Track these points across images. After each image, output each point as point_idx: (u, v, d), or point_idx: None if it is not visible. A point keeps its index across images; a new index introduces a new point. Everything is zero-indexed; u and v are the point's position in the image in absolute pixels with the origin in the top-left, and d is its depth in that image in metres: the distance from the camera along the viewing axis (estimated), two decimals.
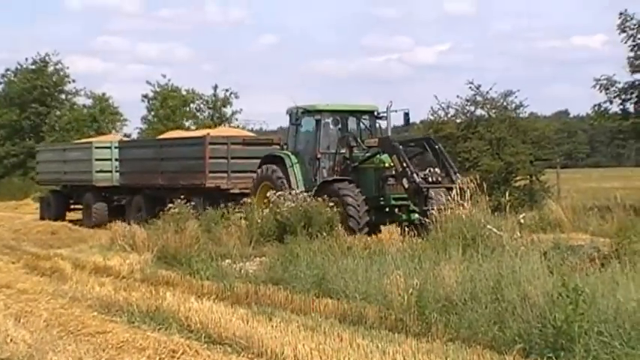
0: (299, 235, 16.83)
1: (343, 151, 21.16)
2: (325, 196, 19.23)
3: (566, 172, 41.67)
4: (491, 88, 31.00)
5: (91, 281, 14.64)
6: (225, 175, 24.90)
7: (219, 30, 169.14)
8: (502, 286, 9.75)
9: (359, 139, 21.37)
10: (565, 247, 13.09)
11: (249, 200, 20.62)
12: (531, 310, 8.97)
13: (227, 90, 48.58)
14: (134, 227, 20.33)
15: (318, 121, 21.30)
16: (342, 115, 21.93)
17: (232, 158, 25.05)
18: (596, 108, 29.50)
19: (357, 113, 22.10)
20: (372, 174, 20.39)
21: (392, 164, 19.52)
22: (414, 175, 18.69)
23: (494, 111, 31.07)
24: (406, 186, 18.84)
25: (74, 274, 15.70)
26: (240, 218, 19.73)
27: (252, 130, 38.76)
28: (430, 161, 19.84)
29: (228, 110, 48.71)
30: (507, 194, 17.91)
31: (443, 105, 31.17)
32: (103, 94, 54.74)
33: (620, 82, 28.27)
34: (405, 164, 18.94)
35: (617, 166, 79.55)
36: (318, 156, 21.12)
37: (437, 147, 19.79)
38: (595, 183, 42.10)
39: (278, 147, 23.53)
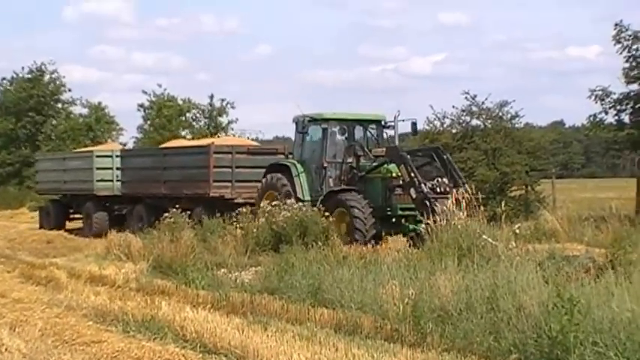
0: (294, 244, 16.82)
1: (350, 160, 20.99)
2: (331, 205, 19.23)
3: (562, 183, 41.78)
4: (486, 99, 31.13)
5: (87, 290, 14.62)
6: (229, 184, 24.76)
7: (215, 40, 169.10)
8: (497, 296, 9.76)
9: (366, 149, 21.22)
10: (560, 258, 13.09)
11: (244, 210, 20.55)
12: (527, 320, 8.98)
13: (223, 100, 48.60)
14: (129, 236, 20.32)
15: (324, 130, 21.15)
16: (349, 123, 21.79)
17: (237, 167, 24.90)
18: (591, 118, 29.48)
19: (364, 122, 21.97)
20: (379, 184, 20.23)
21: (399, 174, 19.37)
22: (422, 185, 18.52)
23: (489, 121, 31.15)
24: (414, 196, 18.64)
25: (69, 283, 15.68)
26: (236, 228, 19.72)
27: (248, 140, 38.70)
28: (431, 171, 19.72)
29: (224, 120, 48.71)
30: (503, 204, 17.94)
31: (439, 115, 31.31)
32: (99, 104, 54.73)
33: (615, 93, 28.28)
34: (412, 174, 18.79)
35: (612, 177, 79.49)
36: (325, 165, 20.97)
37: (445, 157, 19.61)
38: (590, 193, 42.11)
39: (283, 156, 23.49)
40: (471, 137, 30.55)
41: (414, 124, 21.91)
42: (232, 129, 47.44)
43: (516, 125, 31.68)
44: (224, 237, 19.19)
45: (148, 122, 49.79)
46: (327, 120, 21.27)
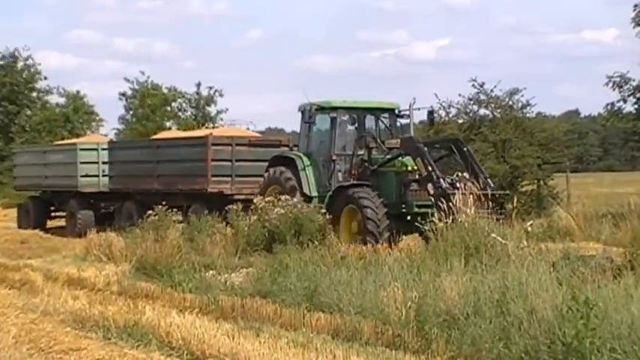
0: (289, 244, 16.84)
1: (361, 152, 20.62)
2: (340, 202, 19.15)
3: (577, 177, 41.83)
4: (495, 86, 31.11)
5: (64, 294, 14.61)
6: (229, 179, 24.61)
7: (202, 23, 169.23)
8: (507, 300, 9.77)
9: (378, 140, 20.79)
10: (575, 258, 13.12)
11: (235, 207, 20.48)
12: (539, 325, 8.98)
13: (211, 88, 48.61)
14: (111, 236, 20.29)
15: (333, 120, 20.83)
16: (359, 112, 21.54)
17: (237, 161, 24.75)
18: (608, 107, 29.54)
19: (376, 111, 21.70)
20: (392, 178, 19.88)
21: (415, 168, 19.07)
22: (441, 179, 18.14)
23: (498, 111, 31.16)
24: (431, 192, 18.14)
25: (46, 287, 15.67)
26: (226, 225, 19.70)
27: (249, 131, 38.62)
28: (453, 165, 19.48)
29: (212, 110, 48.73)
30: (514, 200, 17.96)
31: (444, 104, 31.27)
32: (77, 92, 54.75)
33: (634, 80, 28.32)
34: (430, 168, 18.46)
35: (631, 170, 79.68)
36: (334, 158, 20.67)
37: (465, 149, 19.32)
38: (607, 188, 42.25)
39: (287, 148, 23.37)
40: (479, 128, 30.56)
41: (430, 113, 21.79)
42: (222, 119, 47.47)
43: (527, 115, 31.71)
44: (213, 236, 19.18)
45: (131, 112, 49.81)
46: (335, 108, 20.99)
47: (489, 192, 17.92)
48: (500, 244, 14.02)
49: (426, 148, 19.12)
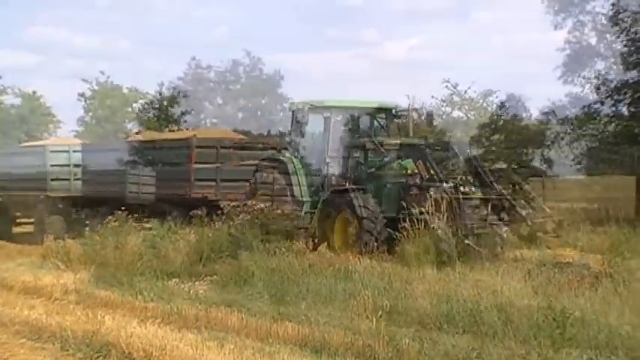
0: (255, 250, 16.78)
1: (357, 154, 20.41)
2: (335, 207, 19.00)
3: (553, 181, 42.00)
4: (469, 87, 31.36)
5: (20, 303, 14.50)
6: (213, 183, 24.38)
7: (165, 21, 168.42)
8: (481, 309, 9.80)
9: (375, 141, 20.42)
10: (551, 265, 13.18)
11: (199, 212, 20.37)
12: (514, 335, 9.01)
13: (174, 88, 48.47)
14: (69, 242, 20.16)
15: (326, 120, 20.65)
16: (354, 112, 21.33)
17: (222, 164, 24.54)
18: (585, 109, 29.70)
19: (373, 111, 21.49)
20: (391, 182, 19.64)
21: (416, 171, 18.87)
22: (444, 183, 17.92)
23: (472, 113, 31.33)
24: (434, 196, 17.67)
25: (0, 296, 15.55)
26: (189, 232, 19.60)
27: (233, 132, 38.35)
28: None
29: (176, 111, 48.57)
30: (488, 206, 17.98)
31: (416, 106, 31.36)
32: (34, 93, 54.51)
33: (612, 81, 28.48)
34: (432, 171, 18.33)
35: (609, 174, 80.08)
36: (327, 160, 20.45)
37: (468, 152, 19.31)
38: (585, 193, 42.37)
39: (274, 151, 23.19)
40: (452, 130, 30.70)
41: (429, 115, 21.62)
42: (185, 121, 47.36)
43: (502, 117, 31.86)
44: (175, 242, 19.09)
45: (90, 114, 49.67)
46: (329, 108, 20.79)
47: (495, 196, 17.93)
48: (474, 252, 14.07)
49: (427, 150, 18.99)
